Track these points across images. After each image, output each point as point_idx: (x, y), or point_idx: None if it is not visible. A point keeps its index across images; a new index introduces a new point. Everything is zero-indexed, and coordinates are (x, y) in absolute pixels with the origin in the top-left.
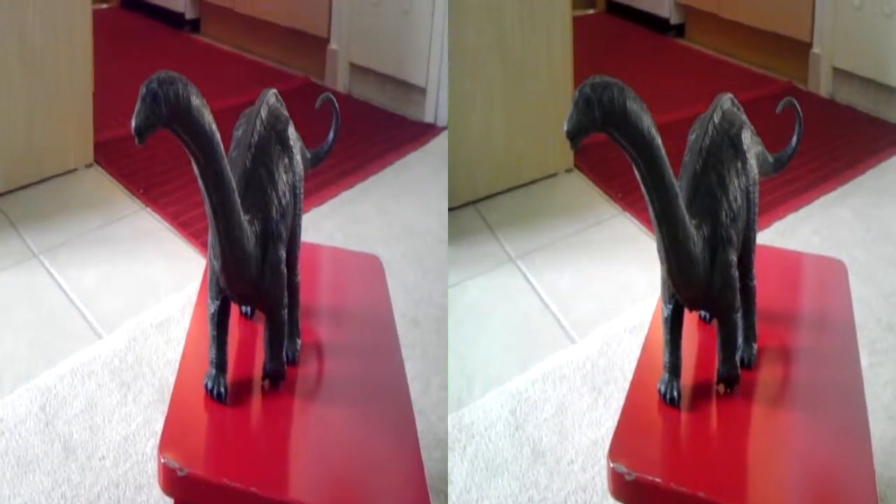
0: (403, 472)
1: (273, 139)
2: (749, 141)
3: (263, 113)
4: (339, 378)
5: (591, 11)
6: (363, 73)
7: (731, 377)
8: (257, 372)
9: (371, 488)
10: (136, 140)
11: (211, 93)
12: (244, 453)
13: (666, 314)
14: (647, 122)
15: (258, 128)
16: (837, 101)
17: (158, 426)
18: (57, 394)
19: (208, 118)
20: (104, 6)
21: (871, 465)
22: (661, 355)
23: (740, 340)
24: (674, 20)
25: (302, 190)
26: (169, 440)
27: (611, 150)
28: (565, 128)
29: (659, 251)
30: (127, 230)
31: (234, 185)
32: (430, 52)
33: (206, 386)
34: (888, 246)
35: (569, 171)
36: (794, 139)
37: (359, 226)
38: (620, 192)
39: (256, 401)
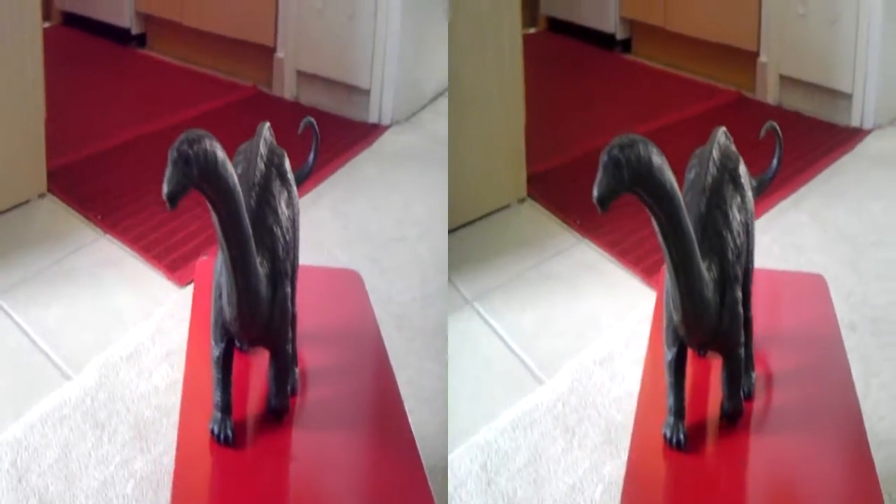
0: (411, 496)
1: (274, 175)
2: (745, 174)
3: (263, 150)
4: (337, 405)
5: (532, 30)
6: (310, 80)
7: (737, 412)
8: (257, 406)
9: None
10: (169, 206)
11: (163, 108)
12: (258, 500)
13: (669, 358)
14: (670, 176)
15: (259, 165)
16: (785, 108)
17: (138, 465)
18: (27, 446)
19: (231, 171)
20: (45, 24)
21: (879, 487)
22: (650, 397)
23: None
24: (620, 35)
25: (299, 221)
26: (181, 495)
27: (564, 177)
28: (596, 193)
29: (673, 299)
30: (87, 260)
31: (251, 234)
32: (373, 54)
33: (212, 431)
34: (844, 247)
35: (521, 201)
36: (775, 161)
37: (315, 231)
38: (578, 220)
39: (262, 440)
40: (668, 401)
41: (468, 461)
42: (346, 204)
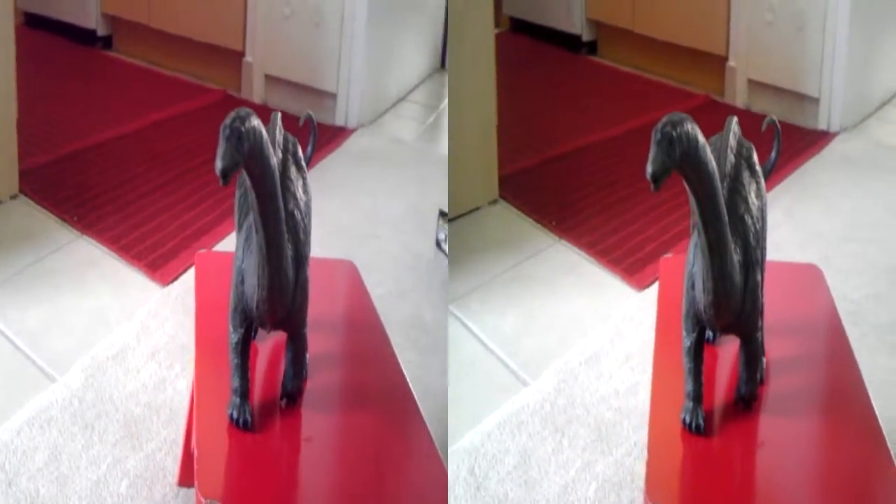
0: (426, 471)
1: (290, 162)
2: (757, 162)
3: (279, 137)
4: (347, 388)
5: (495, 31)
6: (278, 84)
7: (753, 396)
8: (268, 390)
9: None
10: (221, 181)
11: (133, 111)
12: (281, 482)
13: (689, 344)
14: (711, 156)
15: (277, 153)
16: (753, 111)
17: (130, 464)
18: (16, 449)
19: (272, 152)
20: None
21: (893, 463)
22: (657, 385)
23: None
24: (586, 37)
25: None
26: (206, 478)
27: (536, 178)
28: (650, 170)
29: (704, 281)
30: (65, 261)
31: (283, 215)
32: (339, 59)
33: (231, 416)
34: (819, 244)
35: (493, 202)
36: (774, 154)
37: None
38: (554, 220)
39: (279, 423)
40: (687, 386)
41: (455, 466)
42: (317, 202)
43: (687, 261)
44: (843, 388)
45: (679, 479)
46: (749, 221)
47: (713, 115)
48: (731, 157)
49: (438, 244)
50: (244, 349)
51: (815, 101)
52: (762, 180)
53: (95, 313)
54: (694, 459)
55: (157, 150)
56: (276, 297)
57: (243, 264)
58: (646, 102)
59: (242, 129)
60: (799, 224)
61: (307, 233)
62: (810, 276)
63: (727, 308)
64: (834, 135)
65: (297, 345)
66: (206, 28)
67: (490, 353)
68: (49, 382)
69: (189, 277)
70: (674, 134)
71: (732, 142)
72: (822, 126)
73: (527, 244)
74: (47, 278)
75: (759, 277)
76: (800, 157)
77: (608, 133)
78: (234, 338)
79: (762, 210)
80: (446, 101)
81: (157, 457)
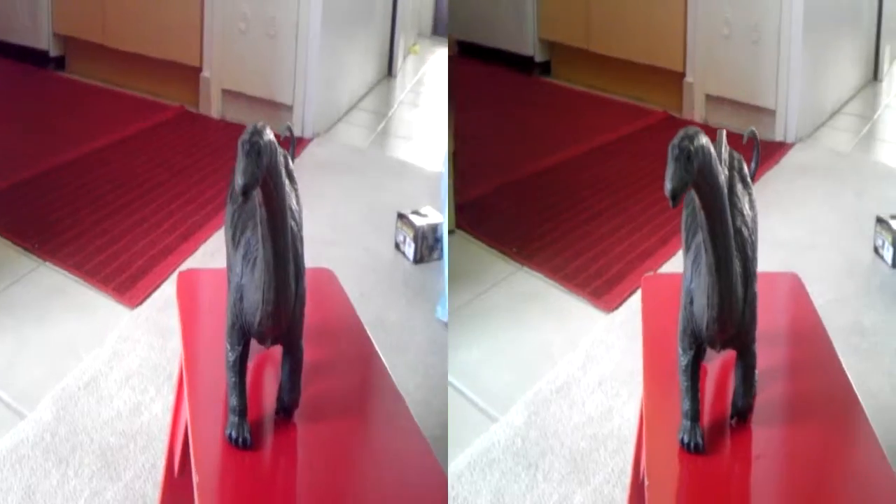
0: (424, 471)
1: (736, 179)
2: (748, 173)
3: (725, 154)
4: (339, 397)
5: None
6: (235, 97)
7: (749, 409)
8: (261, 404)
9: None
10: (244, 199)
11: (87, 132)
12: (283, 498)
13: (686, 362)
14: (720, 168)
15: (724, 171)
16: (711, 126)
17: (109, 495)
18: None
19: (720, 170)
20: None
21: (885, 458)
22: (649, 405)
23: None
24: (539, 58)
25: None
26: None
27: (494, 205)
28: (669, 186)
29: (710, 297)
30: (29, 291)
31: (289, 233)
32: (295, 71)
33: (229, 436)
34: (781, 252)
35: (451, 232)
36: (753, 165)
37: None
38: (514, 247)
39: (277, 438)
40: (684, 405)
41: None
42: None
43: (684, 278)
44: (834, 395)
45: (683, 501)
46: (746, 233)
47: (672, 131)
48: (724, 170)
49: (397, 246)
50: (242, 367)
51: (772, 113)
52: (753, 191)
53: (63, 342)
54: (695, 480)
55: (117, 171)
56: (282, 311)
57: (242, 280)
58: (603, 122)
59: (261, 142)
60: (762, 233)
61: (302, 244)
62: (791, 285)
63: (731, 322)
64: (790, 145)
65: (294, 358)
66: (162, 45)
67: (455, 389)
68: (18, 419)
69: (159, 297)
70: (691, 148)
71: (725, 154)
72: (778, 137)
73: (488, 274)
74: (10, 310)
75: (755, 289)
76: (759, 169)
77: (566, 154)
78: (231, 356)
79: (755, 221)
80: (395, 108)
81: (137, 485)
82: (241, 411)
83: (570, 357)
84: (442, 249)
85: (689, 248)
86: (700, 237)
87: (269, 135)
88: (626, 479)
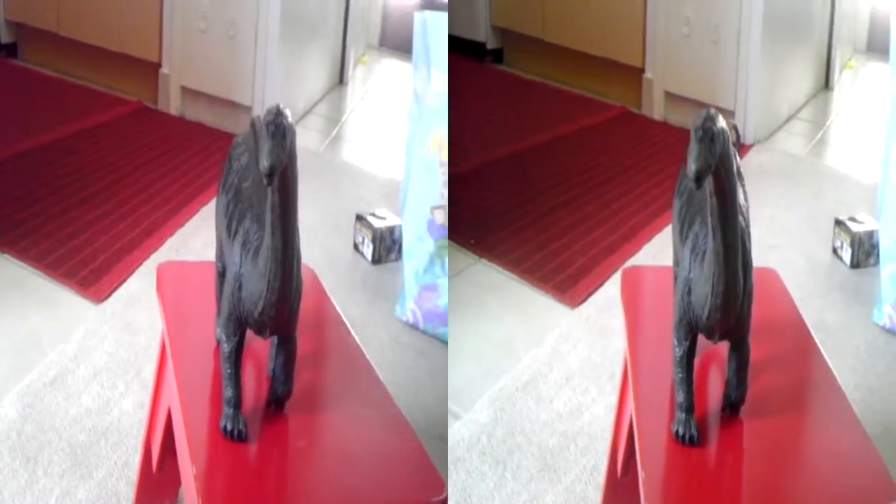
0: (409, 461)
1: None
2: (740, 165)
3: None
4: (325, 390)
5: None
6: (194, 96)
7: (741, 401)
8: (251, 397)
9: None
10: (695, 185)
11: (43, 123)
12: (281, 489)
13: (680, 353)
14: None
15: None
16: (671, 124)
17: (81, 494)
18: None
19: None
20: None
21: (874, 448)
22: (640, 398)
23: None
24: (491, 45)
25: None
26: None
27: (449, 195)
28: (694, 168)
29: (715, 286)
30: None
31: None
32: (254, 72)
33: (224, 428)
34: None
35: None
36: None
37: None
38: (472, 239)
39: (271, 430)
40: (678, 397)
41: None
42: None
43: (681, 268)
44: (819, 386)
45: (679, 494)
46: (743, 224)
47: (630, 126)
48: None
49: (356, 246)
50: (237, 358)
51: (731, 114)
52: (745, 184)
53: (26, 337)
54: (691, 472)
55: (76, 164)
56: (287, 301)
57: (241, 269)
58: (560, 114)
59: (286, 124)
60: None
61: (749, 240)
62: (769, 280)
63: (733, 312)
64: (749, 147)
65: (289, 349)
66: (119, 38)
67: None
68: None
69: (125, 292)
70: (715, 129)
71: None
72: None
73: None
74: None
75: (752, 280)
76: None
77: (522, 145)
78: (226, 347)
79: (748, 212)
80: (348, 114)
81: (109, 483)
82: (236, 403)
83: (535, 352)
84: (399, 250)
85: (687, 237)
86: (697, 227)
87: (722, 123)
88: (600, 477)
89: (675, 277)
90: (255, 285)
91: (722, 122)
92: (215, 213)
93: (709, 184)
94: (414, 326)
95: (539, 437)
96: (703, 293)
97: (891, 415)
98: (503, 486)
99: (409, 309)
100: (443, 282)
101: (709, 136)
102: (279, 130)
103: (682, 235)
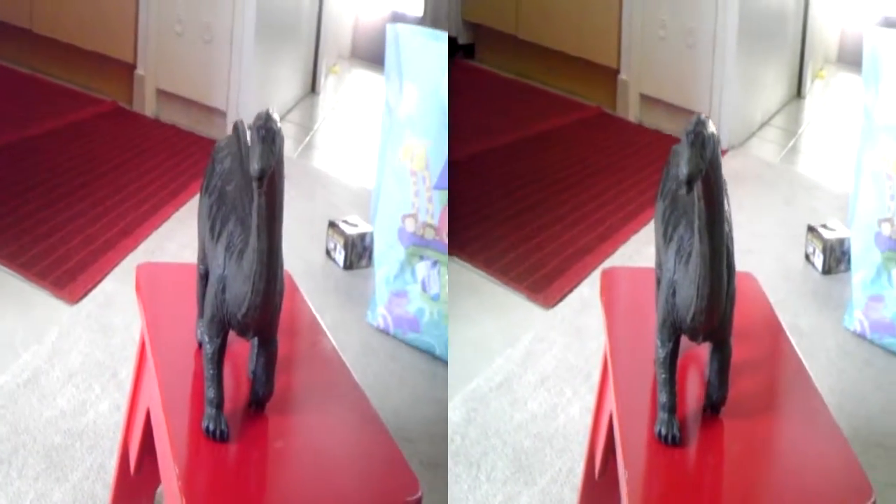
0: (385, 461)
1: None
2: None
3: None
4: (303, 391)
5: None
6: (170, 98)
7: (723, 402)
8: (230, 397)
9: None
10: (688, 190)
11: (15, 121)
12: (261, 489)
13: (664, 354)
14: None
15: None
16: (646, 126)
17: (56, 497)
18: None
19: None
20: None
21: (850, 449)
22: (621, 399)
23: None
24: (462, 40)
25: None
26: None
27: None
28: (685, 171)
29: (700, 288)
30: None
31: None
32: (229, 78)
33: (206, 428)
34: None
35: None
36: None
37: (193, 241)
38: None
39: (251, 430)
40: (661, 398)
41: None
42: None
43: (665, 270)
44: (796, 387)
45: (661, 494)
46: (727, 228)
47: (605, 127)
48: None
49: (328, 252)
50: (220, 359)
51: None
52: (727, 188)
53: (0, 337)
54: (674, 472)
55: (49, 163)
56: (272, 302)
57: (225, 272)
58: (533, 112)
59: (275, 128)
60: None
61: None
62: (747, 284)
63: (718, 314)
64: (724, 152)
65: (270, 350)
66: (95, 37)
67: None
68: None
69: (100, 293)
70: (706, 134)
71: None
72: None
73: None
74: None
75: (735, 282)
76: None
77: (495, 143)
78: (209, 348)
79: (731, 216)
80: (320, 122)
81: (85, 485)
82: (219, 404)
83: (508, 353)
84: (370, 257)
85: (672, 239)
86: (682, 229)
87: (713, 128)
88: (576, 479)
89: (658, 279)
90: (240, 287)
91: (712, 127)
92: (197, 215)
93: (697, 188)
94: (384, 331)
95: (514, 438)
96: (689, 295)
97: (860, 418)
98: (478, 488)
99: (379, 314)
100: (413, 288)
101: (700, 140)
102: (269, 134)
103: (666, 237)
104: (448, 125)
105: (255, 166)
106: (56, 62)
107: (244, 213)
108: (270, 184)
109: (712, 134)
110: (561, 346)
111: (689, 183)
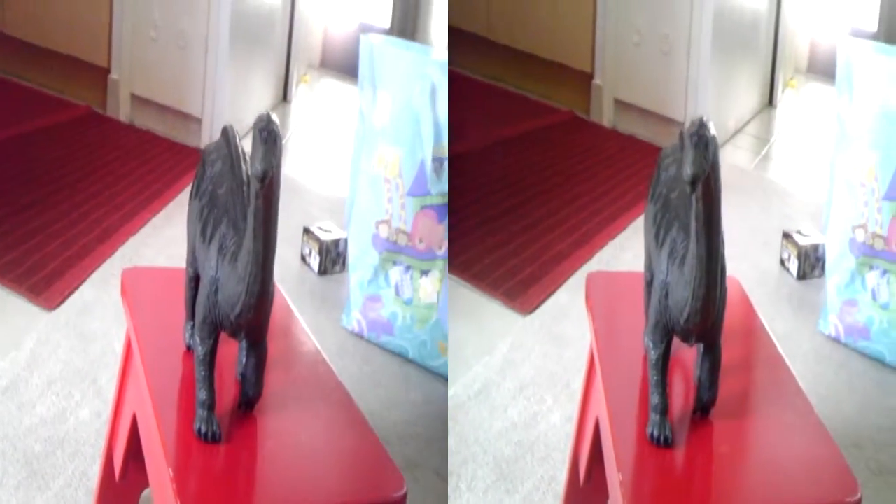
0: (371, 460)
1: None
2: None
3: (240, 149)
4: (290, 391)
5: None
6: (144, 104)
7: (712, 403)
8: (220, 398)
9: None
10: (260, 186)
11: None
12: (251, 488)
13: (656, 356)
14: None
15: (243, 166)
16: (620, 131)
17: None
18: None
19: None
20: None
21: (836, 447)
22: (611, 402)
23: None
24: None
25: None
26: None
27: None
28: (690, 171)
29: (696, 289)
30: None
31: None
32: (204, 84)
33: (198, 430)
34: None
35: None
36: None
37: (177, 248)
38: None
39: (241, 431)
40: (653, 399)
41: None
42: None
43: (657, 272)
44: (782, 388)
45: (655, 495)
46: (720, 230)
47: (579, 132)
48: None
49: (303, 258)
50: (212, 361)
51: (680, 124)
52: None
53: None
54: (668, 473)
55: (22, 167)
56: (265, 305)
57: (218, 274)
58: (506, 115)
59: (708, 135)
60: None
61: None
62: (732, 288)
63: (711, 316)
64: None
65: (260, 352)
66: (69, 40)
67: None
68: None
69: (78, 300)
70: (709, 136)
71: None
72: None
73: None
74: None
75: (726, 285)
76: None
77: (467, 146)
78: (201, 350)
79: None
80: (291, 130)
81: (67, 493)
82: (211, 405)
83: (486, 360)
84: (345, 262)
85: (664, 242)
86: (675, 232)
87: (713, 129)
88: (558, 486)
89: (648, 282)
90: (233, 288)
91: (713, 130)
92: (187, 218)
93: (696, 189)
94: (359, 335)
95: (494, 446)
96: (683, 297)
97: (836, 420)
98: (458, 498)
99: (354, 318)
100: (386, 292)
101: (703, 142)
102: (271, 137)
103: (658, 240)
104: (448, 130)
105: (257, 167)
106: (29, 65)
107: (236, 215)
108: (270, 186)
109: (714, 136)
110: (539, 353)
111: (694, 183)
